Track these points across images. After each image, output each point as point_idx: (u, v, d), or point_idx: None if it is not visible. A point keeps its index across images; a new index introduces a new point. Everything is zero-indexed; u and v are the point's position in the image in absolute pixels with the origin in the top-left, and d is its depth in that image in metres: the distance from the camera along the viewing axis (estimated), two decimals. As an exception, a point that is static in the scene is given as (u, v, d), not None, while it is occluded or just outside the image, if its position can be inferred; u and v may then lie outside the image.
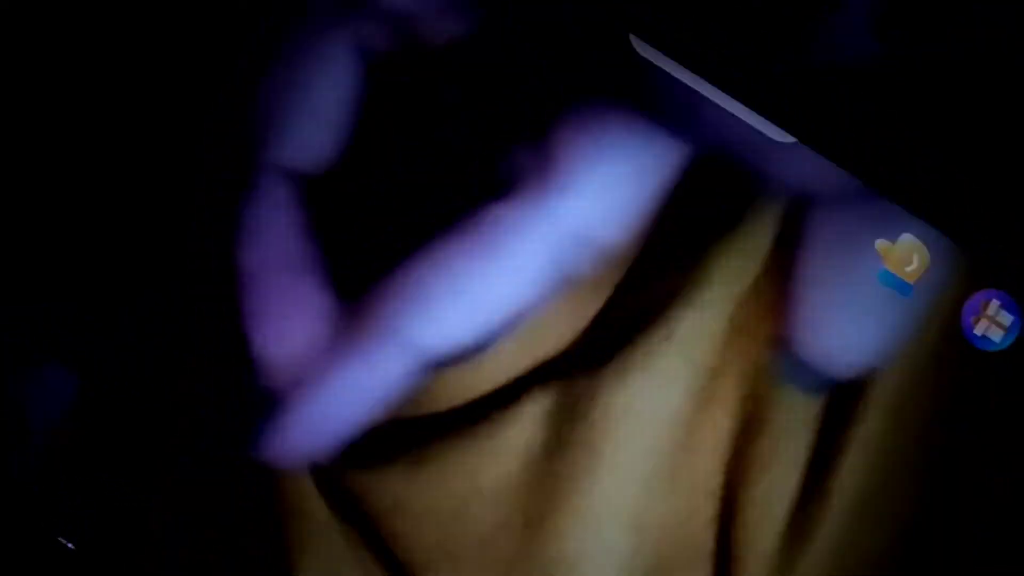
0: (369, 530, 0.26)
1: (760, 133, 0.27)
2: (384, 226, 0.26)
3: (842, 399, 0.27)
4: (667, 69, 0.27)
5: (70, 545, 0.26)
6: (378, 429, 0.26)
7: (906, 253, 0.28)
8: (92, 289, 0.27)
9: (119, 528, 0.26)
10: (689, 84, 0.27)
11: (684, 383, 0.27)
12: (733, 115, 0.27)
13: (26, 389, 0.27)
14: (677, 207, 0.27)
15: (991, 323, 0.28)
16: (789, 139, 0.28)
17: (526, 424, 0.26)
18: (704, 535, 0.26)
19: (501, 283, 0.26)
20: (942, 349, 0.27)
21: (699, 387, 0.27)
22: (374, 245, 0.26)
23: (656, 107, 0.27)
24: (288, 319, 0.26)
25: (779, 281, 0.27)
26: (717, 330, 0.27)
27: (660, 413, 0.26)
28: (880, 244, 0.28)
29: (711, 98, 0.27)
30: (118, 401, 0.27)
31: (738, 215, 0.27)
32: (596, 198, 0.26)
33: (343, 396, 0.26)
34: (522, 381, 0.27)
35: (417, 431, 0.26)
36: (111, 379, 0.26)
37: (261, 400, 0.26)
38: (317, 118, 0.26)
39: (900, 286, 0.27)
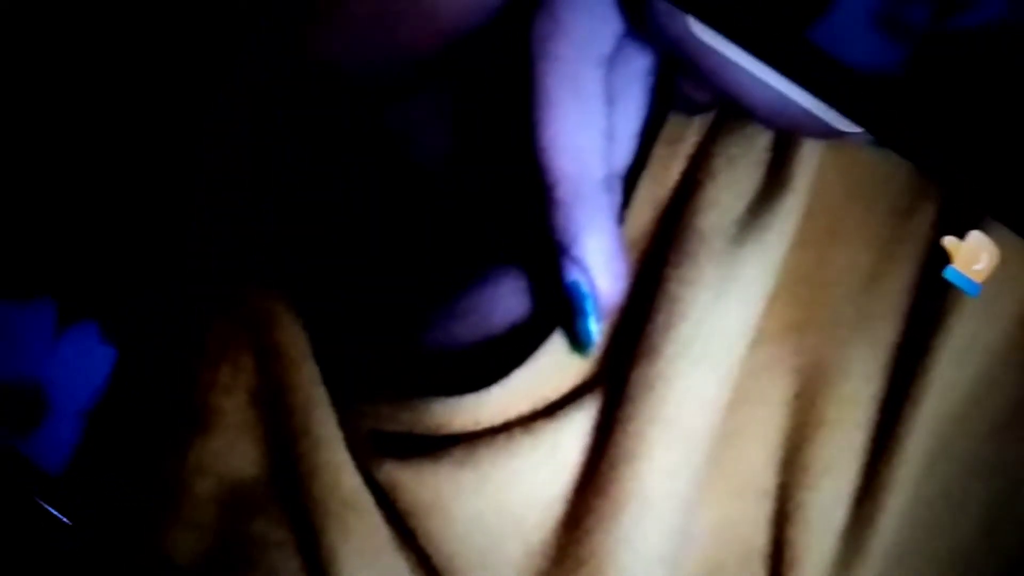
0: (403, 525, 0.26)
1: (826, 126, 0.26)
2: None
3: (903, 398, 0.26)
4: (725, 52, 0.26)
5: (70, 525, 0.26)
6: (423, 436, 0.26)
7: (975, 251, 0.27)
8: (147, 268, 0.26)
9: (153, 516, 0.26)
10: (747, 66, 0.26)
11: (728, 382, 0.26)
12: (806, 110, 0.26)
13: (57, 358, 0.26)
14: (701, 197, 0.26)
15: (1061, 325, 0.27)
16: (856, 128, 0.27)
17: (575, 434, 0.26)
18: (757, 538, 0.26)
19: None
20: (1009, 351, 0.26)
21: (746, 385, 0.26)
22: None
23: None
24: None
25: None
26: (761, 327, 0.26)
27: (703, 413, 0.26)
28: (948, 241, 0.27)
29: (781, 88, 0.26)
30: (155, 381, 0.26)
31: (775, 208, 0.26)
32: None
33: None
34: (570, 393, 0.26)
35: (466, 438, 0.26)
36: (153, 358, 0.26)
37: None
38: None
39: (968, 285, 0.26)
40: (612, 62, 0.25)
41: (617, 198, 0.25)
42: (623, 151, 0.25)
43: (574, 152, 0.24)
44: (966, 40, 0.28)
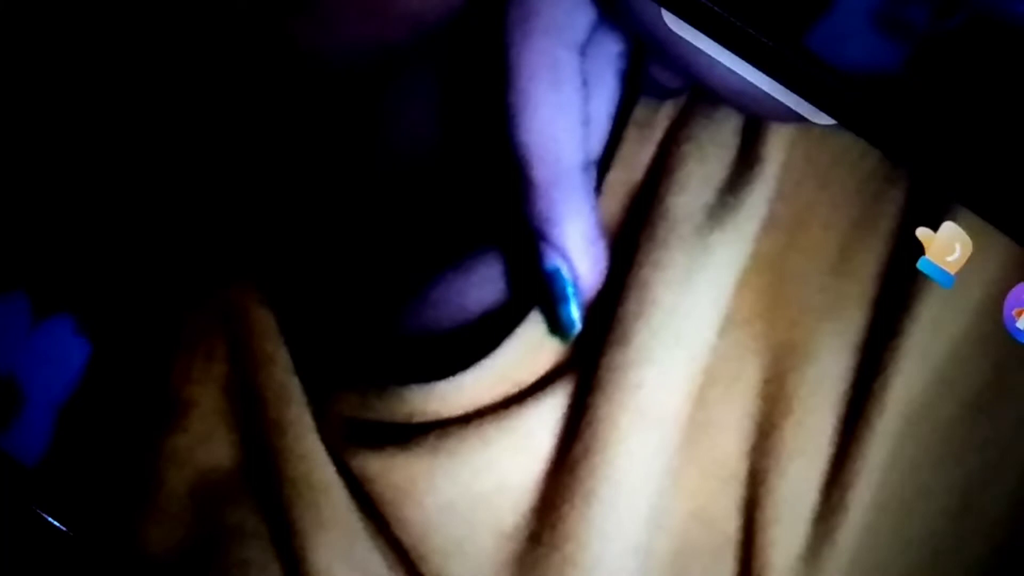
0: (376, 513, 0.26)
1: (797, 113, 0.26)
2: None
3: (872, 383, 0.26)
4: (698, 44, 0.26)
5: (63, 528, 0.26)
6: (396, 424, 0.26)
7: (948, 242, 0.27)
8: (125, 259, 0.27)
9: (128, 508, 0.26)
10: (720, 59, 0.26)
11: (699, 366, 0.26)
12: (775, 98, 0.27)
13: (32, 352, 0.26)
14: (671, 181, 0.26)
15: (1035, 316, 0.27)
16: (828, 120, 0.27)
17: (547, 420, 0.26)
18: (728, 523, 0.26)
19: None
20: (978, 336, 0.26)
21: (717, 370, 0.26)
22: None
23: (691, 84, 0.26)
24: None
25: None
26: (731, 312, 0.26)
27: (675, 399, 0.26)
28: (922, 232, 0.27)
29: (745, 74, 0.27)
30: (128, 374, 0.26)
31: (744, 192, 0.26)
32: None
33: None
34: (542, 379, 0.26)
35: (438, 425, 0.26)
36: (126, 350, 0.26)
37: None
38: None
39: (941, 276, 0.27)
40: (586, 48, 0.25)
41: (592, 183, 0.25)
42: (598, 136, 0.26)
43: (551, 137, 0.25)
44: (958, 39, 0.28)
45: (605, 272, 0.26)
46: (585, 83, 0.25)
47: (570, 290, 0.25)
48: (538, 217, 0.25)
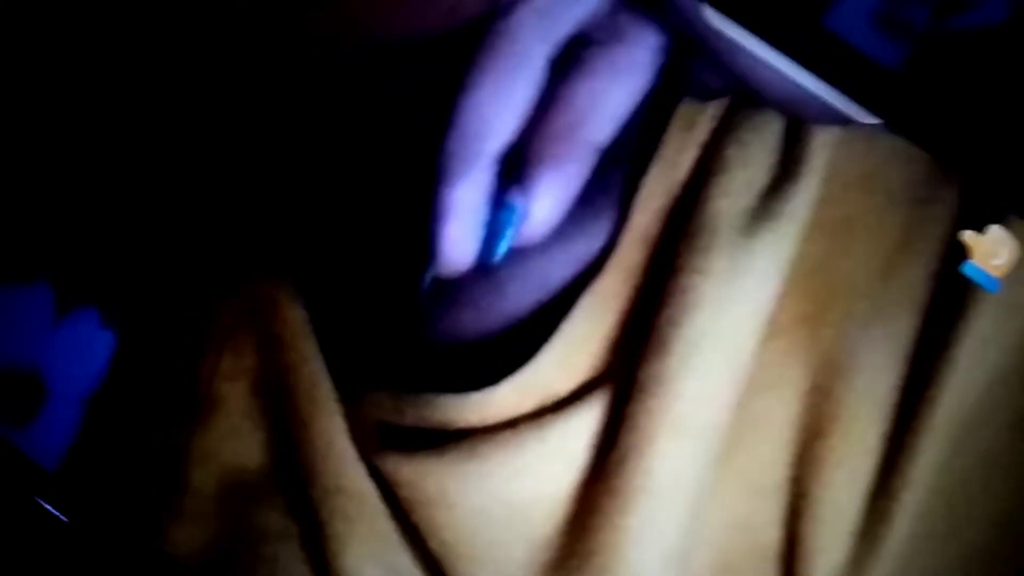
0: (407, 518, 0.25)
1: (841, 114, 0.26)
2: None
3: (920, 393, 0.25)
4: (745, 44, 0.26)
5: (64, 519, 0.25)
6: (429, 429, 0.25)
7: (994, 246, 0.26)
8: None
9: (154, 506, 0.25)
10: (768, 59, 0.26)
11: (740, 375, 0.25)
12: (819, 97, 0.26)
13: (57, 344, 0.26)
14: (713, 185, 0.25)
15: (1082, 322, 0.26)
16: (874, 120, 0.26)
17: (583, 430, 0.25)
18: (769, 534, 0.25)
19: None
20: None
21: (759, 378, 0.25)
22: None
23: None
24: None
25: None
26: (774, 319, 0.25)
27: (715, 407, 0.25)
28: (967, 236, 0.26)
29: (795, 77, 0.26)
30: (155, 368, 0.26)
31: (788, 196, 0.25)
32: None
33: None
34: (578, 389, 0.25)
35: (471, 432, 0.25)
36: (154, 344, 0.25)
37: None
38: None
39: (987, 281, 0.26)
40: (593, 36, 0.24)
41: (585, 170, 0.24)
42: (601, 127, 0.24)
43: (479, 116, 0.24)
44: (979, 38, 0.27)
45: (466, 264, 0.24)
46: (568, 74, 0.24)
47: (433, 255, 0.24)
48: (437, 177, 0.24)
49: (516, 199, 0.23)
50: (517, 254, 0.25)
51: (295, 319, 0.25)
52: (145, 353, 0.26)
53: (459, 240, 0.23)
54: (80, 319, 0.26)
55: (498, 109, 0.23)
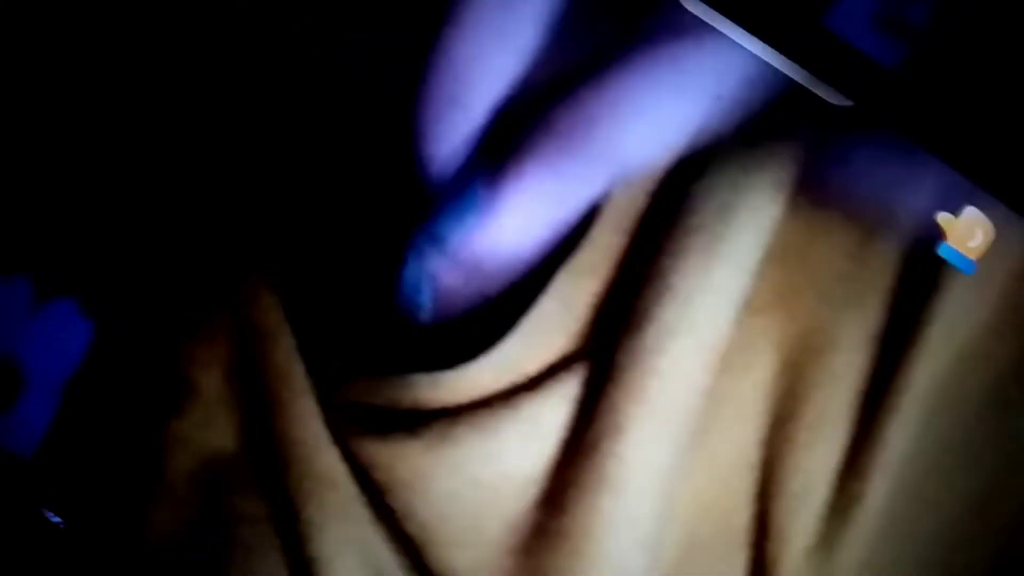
0: (382, 501, 0.25)
1: (815, 96, 0.26)
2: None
3: (891, 372, 0.25)
4: (716, 25, 0.26)
5: (58, 520, 0.26)
6: (402, 411, 0.25)
7: (969, 228, 0.26)
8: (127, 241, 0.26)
9: (130, 492, 0.26)
10: (738, 40, 0.26)
11: (715, 355, 0.25)
12: (789, 75, 0.26)
13: (35, 334, 0.26)
14: (694, 169, 0.25)
15: (1058, 303, 0.26)
16: (846, 102, 0.26)
17: (557, 409, 0.25)
18: (740, 513, 0.25)
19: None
20: (999, 325, 0.26)
21: (732, 359, 0.25)
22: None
23: (700, 60, 0.26)
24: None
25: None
26: (750, 299, 0.25)
27: (688, 388, 0.25)
28: (942, 218, 0.26)
29: (762, 55, 0.26)
30: (131, 356, 0.26)
31: (768, 175, 0.26)
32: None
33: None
34: (551, 368, 0.26)
35: (443, 415, 0.25)
36: (130, 333, 0.26)
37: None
38: None
39: (962, 262, 0.26)
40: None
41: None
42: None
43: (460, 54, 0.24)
44: (966, 34, 0.28)
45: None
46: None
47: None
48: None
49: (481, 189, 0.24)
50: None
51: (268, 306, 0.26)
52: (121, 342, 0.26)
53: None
54: (57, 310, 0.26)
55: (481, 52, 0.24)
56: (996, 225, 0.26)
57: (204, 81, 0.26)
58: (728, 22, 0.26)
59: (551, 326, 0.25)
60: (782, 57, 0.26)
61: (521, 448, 0.25)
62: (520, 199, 0.25)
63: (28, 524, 0.26)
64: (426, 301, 0.25)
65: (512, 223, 0.25)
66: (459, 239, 0.25)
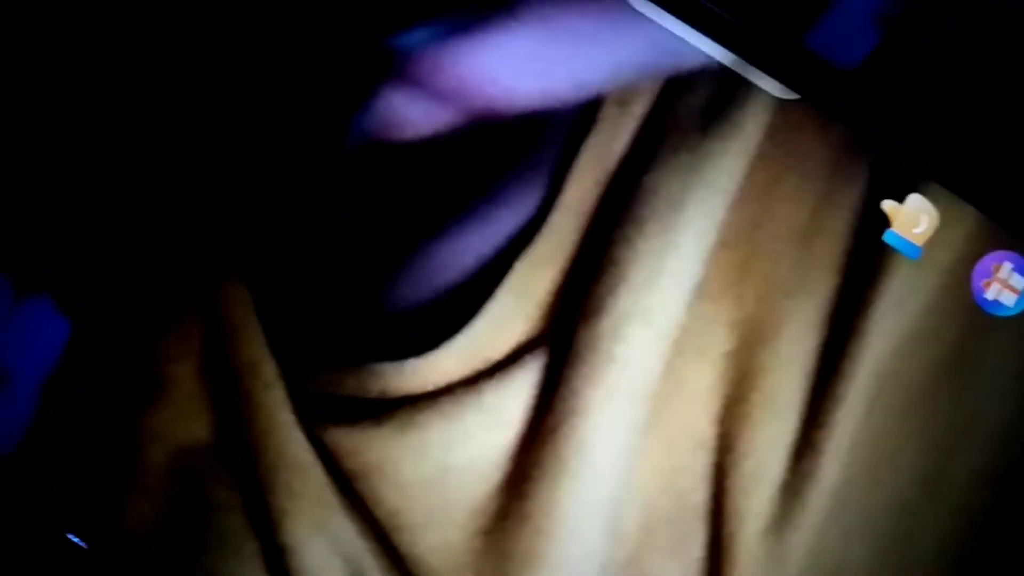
0: (350, 487, 0.26)
1: (762, 89, 0.27)
2: None
3: (839, 352, 0.26)
4: (663, 23, 0.27)
5: (77, 539, 0.26)
6: (369, 400, 0.26)
7: (914, 214, 0.27)
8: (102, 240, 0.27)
9: (107, 485, 0.26)
10: (683, 36, 0.27)
11: (670, 339, 0.26)
12: (734, 70, 0.27)
13: (13, 332, 0.27)
14: (648, 157, 0.26)
15: (1003, 287, 0.27)
16: (792, 95, 0.27)
17: (518, 394, 0.26)
18: (697, 491, 0.26)
19: None
20: (944, 305, 0.26)
21: (686, 343, 0.26)
22: None
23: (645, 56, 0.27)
24: None
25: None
26: (701, 283, 0.26)
27: (644, 373, 0.26)
28: (887, 205, 0.27)
29: (707, 51, 0.27)
30: (107, 352, 0.27)
31: (721, 162, 0.27)
32: None
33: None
34: (512, 354, 0.26)
35: (408, 402, 0.26)
36: (105, 330, 0.27)
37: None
38: None
39: (908, 248, 0.27)
40: None
41: None
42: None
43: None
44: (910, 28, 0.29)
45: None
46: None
47: None
48: None
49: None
50: (452, 225, 0.27)
51: (238, 299, 0.27)
52: (97, 339, 0.27)
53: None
54: (35, 308, 0.27)
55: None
56: (940, 211, 0.27)
57: (175, 81, 0.27)
58: (676, 20, 0.27)
59: (511, 314, 0.26)
60: (729, 53, 0.27)
61: (485, 433, 0.26)
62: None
63: (8, 520, 0.27)
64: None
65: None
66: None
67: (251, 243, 0.27)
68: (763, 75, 0.27)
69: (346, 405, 0.26)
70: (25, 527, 0.27)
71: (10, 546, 0.27)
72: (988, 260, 0.27)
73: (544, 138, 0.27)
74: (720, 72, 0.27)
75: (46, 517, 0.26)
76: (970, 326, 0.26)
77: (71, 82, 0.27)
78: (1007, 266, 0.27)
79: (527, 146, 0.27)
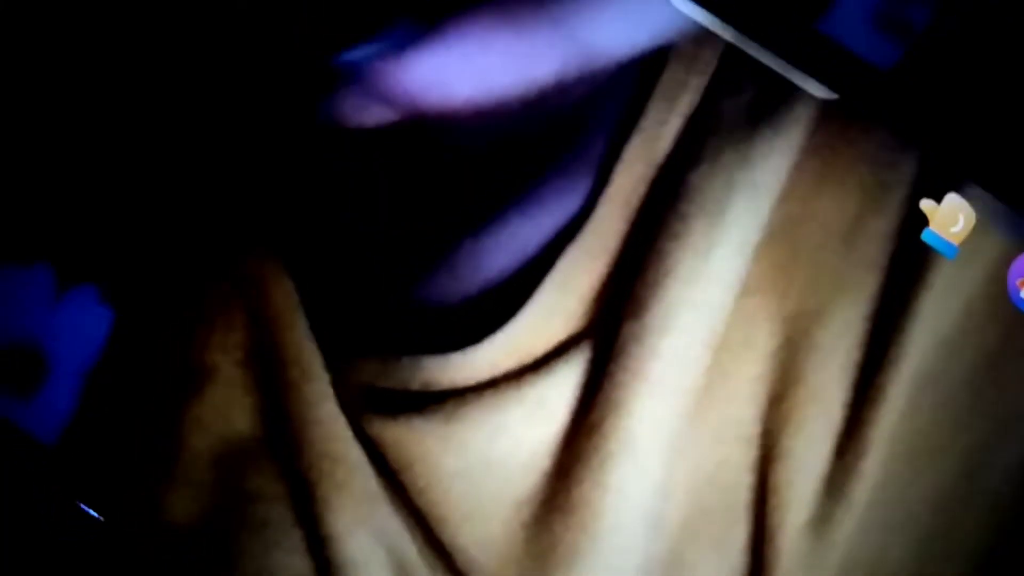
0: (394, 479, 0.26)
1: (801, 89, 0.27)
2: None
3: (883, 347, 0.26)
4: (707, 24, 0.27)
5: (94, 514, 0.26)
6: (413, 392, 0.26)
7: (952, 214, 0.27)
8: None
9: (150, 476, 0.26)
10: (730, 38, 0.27)
11: (715, 334, 0.26)
12: (780, 72, 0.27)
13: (57, 321, 0.27)
14: (695, 152, 0.27)
15: (1039, 287, 0.27)
16: (831, 95, 0.27)
17: (562, 388, 0.26)
18: (741, 485, 0.26)
19: None
20: (987, 313, 0.27)
21: (731, 338, 0.26)
22: None
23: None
24: None
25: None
26: (747, 279, 0.26)
27: (689, 367, 0.26)
28: (925, 204, 0.27)
29: (750, 51, 0.27)
30: (151, 342, 0.27)
31: (767, 158, 0.27)
32: None
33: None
34: (557, 348, 0.27)
35: (454, 393, 0.26)
36: (149, 319, 0.27)
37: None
38: None
39: (945, 247, 0.27)
40: None
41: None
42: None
43: None
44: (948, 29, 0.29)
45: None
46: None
47: None
48: None
49: (403, 31, 0.25)
50: (496, 221, 0.27)
51: (283, 292, 0.27)
52: (141, 328, 0.27)
53: None
54: (79, 297, 0.27)
55: None
56: (977, 211, 0.27)
57: (213, 73, 0.27)
58: (719, 21, 0.27)
59: (556, 308, 0.26)
60: (770, 53, 0.27)
61: (528, 427, 0.26)
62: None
63: (51, 510, 0.27)
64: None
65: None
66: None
67: (297, 235, 0.27)
68: (804, 76, 0.27)
69: (390, 397, 0.26)
70: (66, 516, 0.27)
71: (51, 534, 0.27)
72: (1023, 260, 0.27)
73: (590, 132, 0.27)
74: (764, 73, 0.27)
75: (87, 507, 0.26)
76: (1008, 324, 0.27)
77: (117, 72, 0.27)
78: (1043, 266, 0.27)
79: (573, 140, 0.27)
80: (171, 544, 0.26)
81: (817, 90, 0.27)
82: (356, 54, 0.27)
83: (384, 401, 0.26)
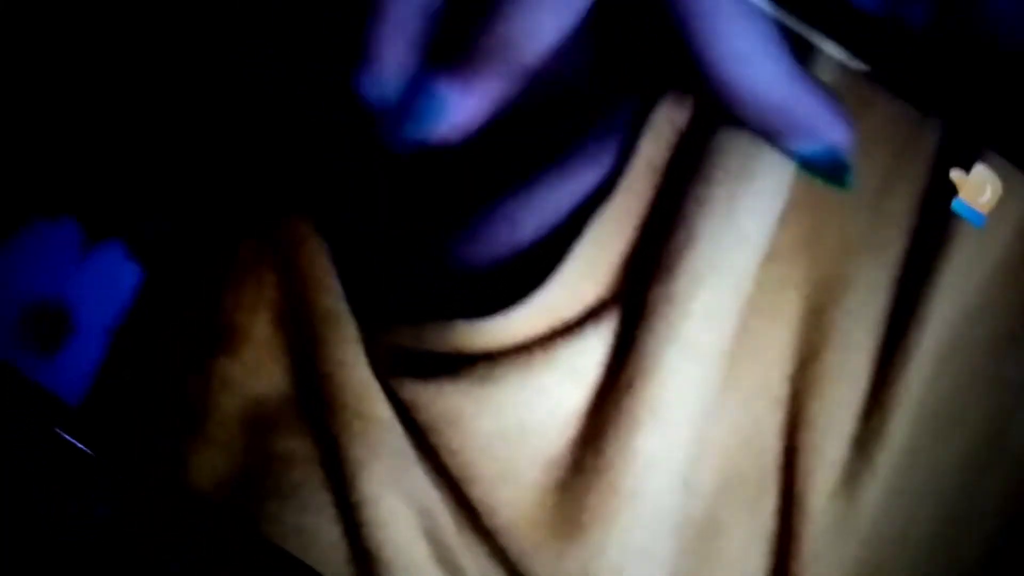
0: (425, 441, 0.26)
1: (831, 59, 0.27)
2: None
3: (909, 312, 0.27)
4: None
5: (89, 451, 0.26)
6: (444, 355, 0.26)
7: (980, 184, 0.27)
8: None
9: (177, 436, 0.26)
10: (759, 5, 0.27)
11: (742, 298, 0.27)
12: (807, 39, 0.27)
13: (84, 277, 0.26)
14: (719, 116, 0.27)
15: (1065, 256, 0.27)
16: (862, 67, 0.27)
17: (593, 352, 0.26)
18: (771, 447, 0.26)
19: None
20: (1008, 272, 0.27)
21: (759, 301, 0.27)
22: None
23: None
24: None
25: None
26: (773, 244, 0.27)
27: (720, 332, 0.26)
28: (955, 174, 0.27)
29: (775, 14, 0.27)
30: (179, 300, 0.26)
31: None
32: None
33: None
34: (588, 312, 0.27)
35: (486, 356, 0.26)
36: (178, 276, 0.26)
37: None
38: None
39: (974, 216, 0.27)
40: None
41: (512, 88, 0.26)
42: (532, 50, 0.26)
43: None
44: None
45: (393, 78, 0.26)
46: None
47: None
48: None
49: (441, 87, 0.25)
50: (526, 186, 0.27)
51: (315, 252, 0.26)
52: (169, 285, 0.27)
53: (389, 41, 0.24)
54: (106, 253, 0.26)
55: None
56: (1005, 182, 0.27)
57: (251, 32, 0.27)
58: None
59: (586, 273, 0.26)
60: (801, 23, 0.27)
61: (559, 390, 0.26)
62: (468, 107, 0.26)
63: (75, 468, 0.26)
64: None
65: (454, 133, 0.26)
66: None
67: (330, 196, 0.27)
68: (833, 44, 0.27)
69: (423, 359, 0.26)
70: (94, 476, 0.26)
71: (76, 496, 0.27)
72: (1049, 229, 0.28)
73: (618, 98, 0.27)
74: (791, 40, 0.27)
75: (115, 467, 0.26)
76: None
77: (151, 28, 0.27)
78: (1067, 237, 0.27)
79: (601, 105, 0.27)
80: (198, 506, 0.26)
81: (846, 58, 0.27)
82: None
83: (415, 364, 0.26)
